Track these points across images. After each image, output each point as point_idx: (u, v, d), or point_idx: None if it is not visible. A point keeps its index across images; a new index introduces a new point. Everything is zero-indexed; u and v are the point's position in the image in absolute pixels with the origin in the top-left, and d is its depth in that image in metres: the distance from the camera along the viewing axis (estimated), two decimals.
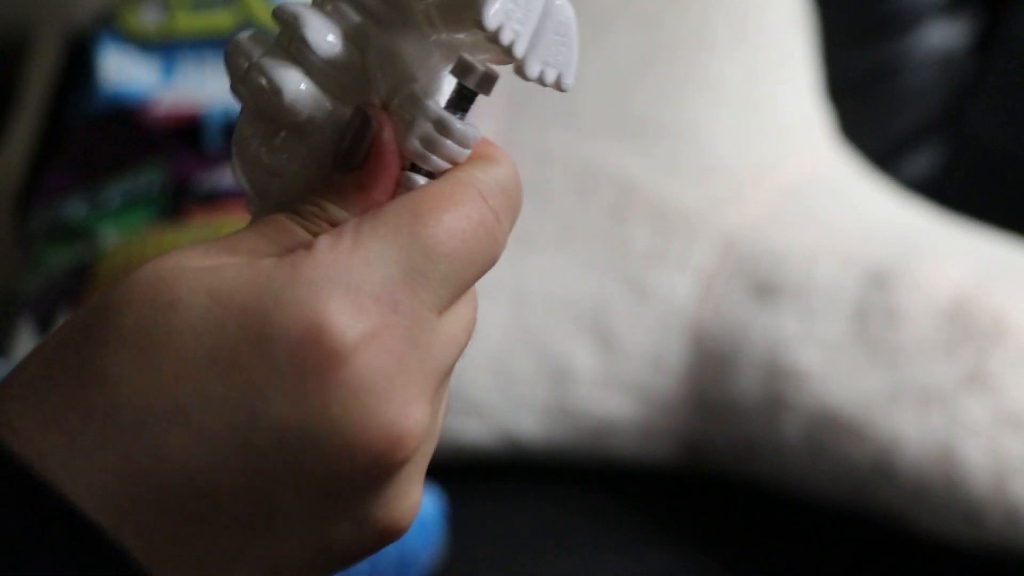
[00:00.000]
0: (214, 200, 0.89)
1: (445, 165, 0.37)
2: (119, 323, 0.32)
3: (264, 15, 0.96)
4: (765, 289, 0.91)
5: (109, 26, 0.98)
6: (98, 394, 0.32)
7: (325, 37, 0.37)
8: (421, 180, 0.37)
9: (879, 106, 1.15)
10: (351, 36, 0.37)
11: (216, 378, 0.32)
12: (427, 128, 0.37)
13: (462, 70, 0.38)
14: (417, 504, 0.36)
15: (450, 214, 0.34)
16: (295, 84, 0.36)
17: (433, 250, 0.34)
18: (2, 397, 0.32)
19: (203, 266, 0.33)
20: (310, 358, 0.32)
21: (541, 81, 0.38)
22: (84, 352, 0.32)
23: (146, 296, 0.33)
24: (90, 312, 0.33)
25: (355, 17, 0.37)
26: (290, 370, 0.32)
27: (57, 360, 0.32)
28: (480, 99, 0.40)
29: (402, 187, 0.37)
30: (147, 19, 0.97)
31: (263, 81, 0.36)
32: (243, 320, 0.32)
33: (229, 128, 0.93)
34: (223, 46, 0.97)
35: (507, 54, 0.37)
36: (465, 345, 0.36)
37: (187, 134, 0.93)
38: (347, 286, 0.32)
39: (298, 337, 0.32)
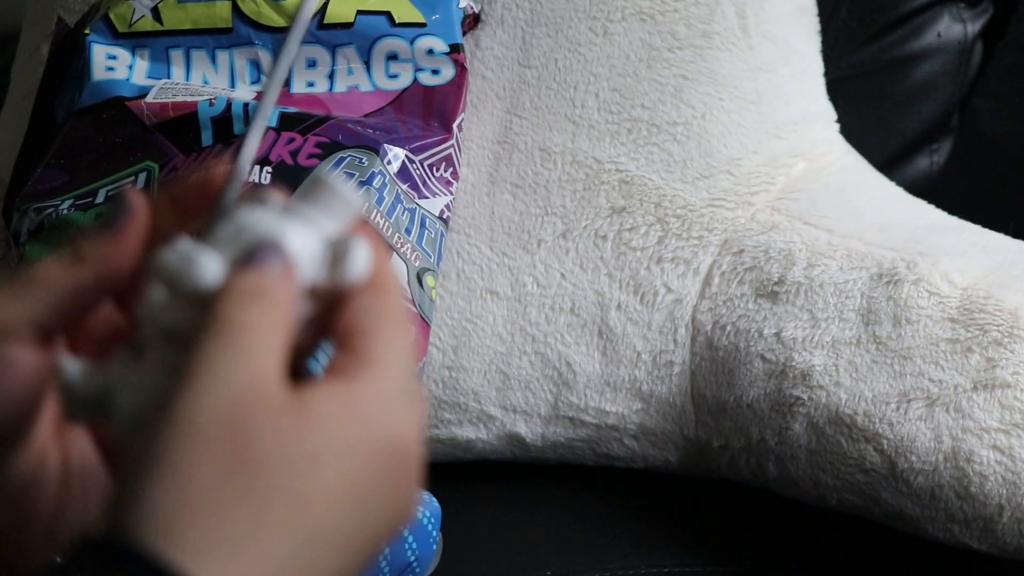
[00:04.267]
0: None
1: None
2: (266, 449, 0.38)
3: (253, 6, 0.95)
4: (769, 289, 0.91)
5: (100, 20, 0.97)
6: (259, 520, 0.38)
7: None
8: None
9: (885, 102, 1.15)
10: None
11: (358, 498, 0.40)
12: None
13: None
14: None
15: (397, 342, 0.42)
16: None
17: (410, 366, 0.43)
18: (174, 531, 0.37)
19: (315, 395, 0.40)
20: (406, 466, 0.42)
21: None
22: (239, 480, 0.38)
23: (282, 423, 0.39)
24: (223, 439, 0.38)
25: None
26: (398, 478, 0.41)
27: (209, 487, 0.37)
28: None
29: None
30: (138, 13, 0.97)
31: None
32: (373, 445, 0.40)
33: (222, 123, 0.92)
34: (216, 39, 0.96)
35: None
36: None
37: (179, 130, 0.92)
38: (403, 403, 0.42)
39: (403, 453, 0.42)
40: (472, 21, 1.00)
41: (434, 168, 0.94)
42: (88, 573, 0.36)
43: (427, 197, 0.93)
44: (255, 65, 0.96)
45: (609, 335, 0.94)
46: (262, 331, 0.39)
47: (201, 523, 0.37)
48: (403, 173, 0.92)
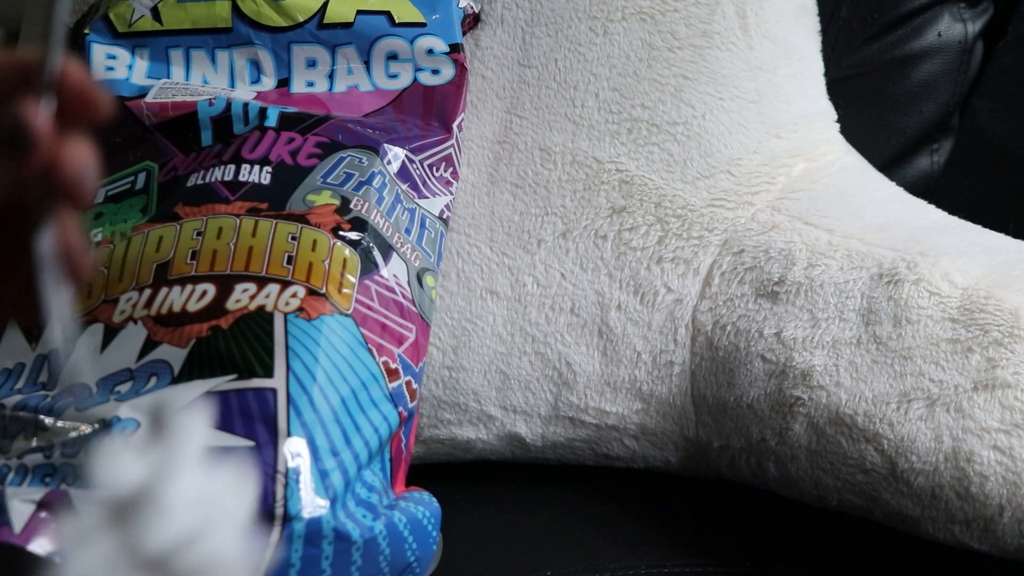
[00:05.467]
0: (206, 196, 0.88)
1: None
2: None
3: (252, 6, 0.95)
4: (770, 289, 0.90)
5: (100, 20, 0.97)
6: None
7: None
8: None
9: (885, 102, 1.15)
10: None
11: None
12: None
13: None
14: None
15: None
16: None
17: None
18: None
19: None
20: None
21: None
22: None
23: None
24: None
25: None
26: None
27: None
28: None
29: None
30: (138, 12, 0.96)
31: None
32: None
33: (222, 123, 0.92)
34: (216, 39, 0.96)
35: None
36: None
37: (179, 129, 0.92)
38: None
39: None
40: (472, 21, 0.99)
41: (434, 168, 0.94)
42: None
43: (427, 197, 0.93)
44: (255, 65, 0.95)
45: (609, 335, 0.94)
46: None
47: None
48: (403, 173, 0.92)
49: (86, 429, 0.79)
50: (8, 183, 0.43)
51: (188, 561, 0.39)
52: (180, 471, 0.40)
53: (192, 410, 0.40)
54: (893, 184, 1.01)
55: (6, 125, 0.43)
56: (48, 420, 0.79)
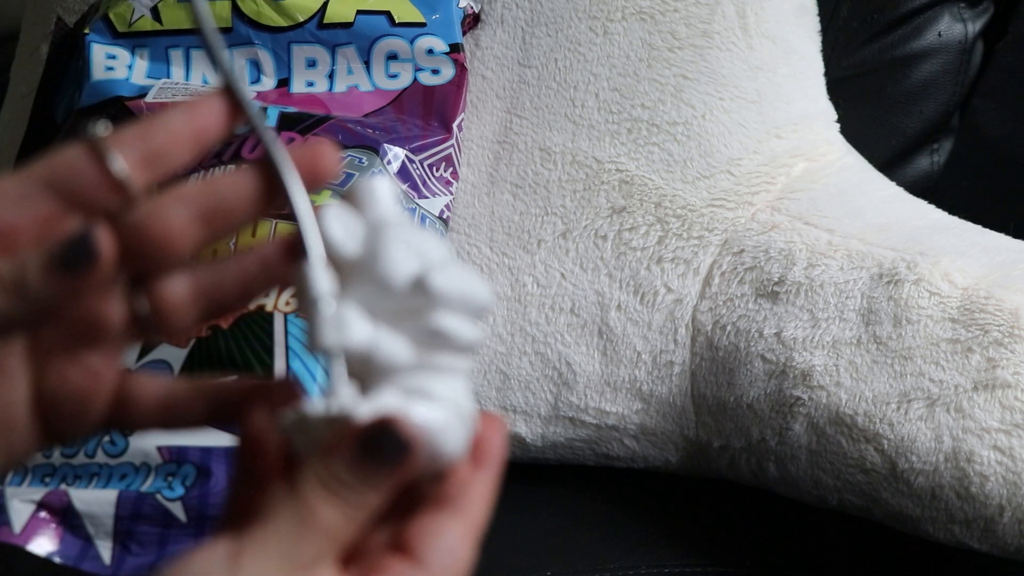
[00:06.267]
0: None
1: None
2: None
3: (252, 6, 0.95)
4: (770, 289, 0.90)
5: (100, 20, 0.97)
6: None
7: None
8: None
9: (885, 102, 1.15)
10: None
11: None
12: None
13: None
14: None
15: None
16: None
17: None
18: None
19: None
20: None
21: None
22: None
23: None
24: None
25: None
26: None
27: None
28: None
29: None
30: (138, 12, 0.96)
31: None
32: None
33: None
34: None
35: None
36: None
37: None
38: None
39: None
40: (472, 21, 0.99)
41: (434, 168, 0.94)
42: None
43: (427, 197, 0.93)
44: (255, 65, 0.95)
45: (609, 335, 0.94)
46: None
47: None
48: (403, 173, 0.92)
49: None
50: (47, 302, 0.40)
51: (439, 285, 0.41)
52: (395, 219, 0.42)
53: (376, 178, 0.43)
54: (893, 184, 1.01)
55: (68, 241, 0.40)
56: None
